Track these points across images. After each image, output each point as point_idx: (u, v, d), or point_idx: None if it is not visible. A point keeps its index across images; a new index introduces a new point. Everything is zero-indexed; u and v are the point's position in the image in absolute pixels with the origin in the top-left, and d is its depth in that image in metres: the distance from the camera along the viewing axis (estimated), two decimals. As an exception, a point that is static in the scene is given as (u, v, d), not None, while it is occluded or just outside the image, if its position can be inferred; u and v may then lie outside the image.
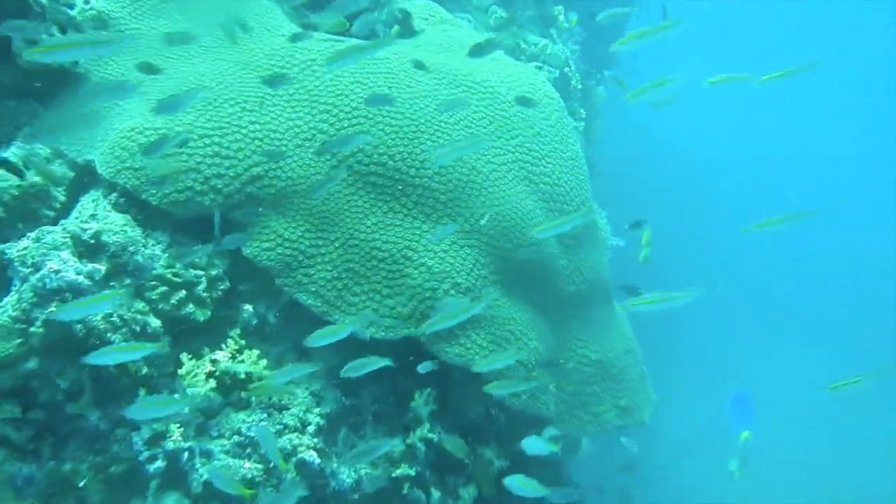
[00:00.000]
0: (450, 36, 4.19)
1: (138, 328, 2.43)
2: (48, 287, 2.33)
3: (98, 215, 2.56)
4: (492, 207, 3.30)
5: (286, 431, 2.66)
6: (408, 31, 4.34)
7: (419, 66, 3.55)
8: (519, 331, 3.21)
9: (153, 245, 2.64)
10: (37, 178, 2.66)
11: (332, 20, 3.90)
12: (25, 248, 2.43)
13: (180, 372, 2.54)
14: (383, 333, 2.94)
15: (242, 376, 2.68)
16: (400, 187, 3.16)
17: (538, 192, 3.56)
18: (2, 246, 2.46)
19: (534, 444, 2.90)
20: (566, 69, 6.91)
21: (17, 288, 2.38)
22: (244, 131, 2.98)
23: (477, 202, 3.27)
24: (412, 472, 2.83)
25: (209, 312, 2.71)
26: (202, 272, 2.70)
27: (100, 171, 2.73)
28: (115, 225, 2.54)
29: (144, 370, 2.42)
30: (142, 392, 2.41)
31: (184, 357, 2.59)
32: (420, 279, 3.02)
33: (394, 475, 2.80)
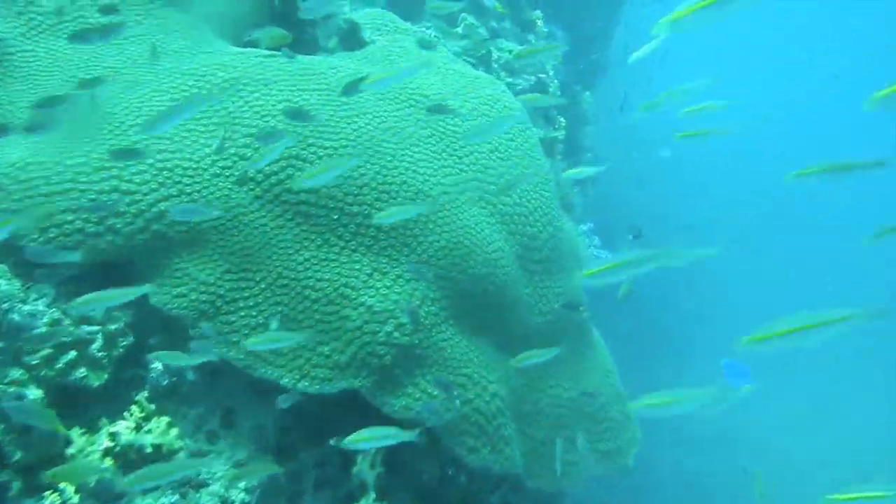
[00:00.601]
0: (402, 47, 3.84)
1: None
2: None
3: (-32, 268, 2.18)
4: (442, 234, 2.93)
5: (202, 512, 2.27)
6: (355, 43, 3.99)
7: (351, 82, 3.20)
8: (476, 374, 2.83)
9: (35, 300, 2.25)
10: None
11: (273, 34, 3.56)
12: None
13: (69, 452, 2.14)
14: (318, 386, 2.55)
15: (150, 449, 2.29)
16: (335, 217, 2.79)
17: (497, 213, 3.19)
18: None
19: None
20: (542, 75, 6.58)
21: None
22: (151, 160, 2.60)
23: (425, 229, 2.90)
24: (354, 551, 2.44)
25: (107, 375, 2.32)
26: (97, 327, 2.32)
27: (-27, 215, 2.35)
28: (-14, 279, 2.16)
29: (18, 454, 2.03)
30: (16, 485, 2.01)
31: (74, 433, 2.19)
32: (359, 321, 2.64)
33: (333, 555, 2.41)
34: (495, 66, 6.35)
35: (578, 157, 10.32)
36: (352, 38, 3.94)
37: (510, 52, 6.60)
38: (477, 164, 3.25)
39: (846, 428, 10.68)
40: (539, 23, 7.55)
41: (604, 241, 8.43)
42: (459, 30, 5.99)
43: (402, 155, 3.02)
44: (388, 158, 2.97)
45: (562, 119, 6.99)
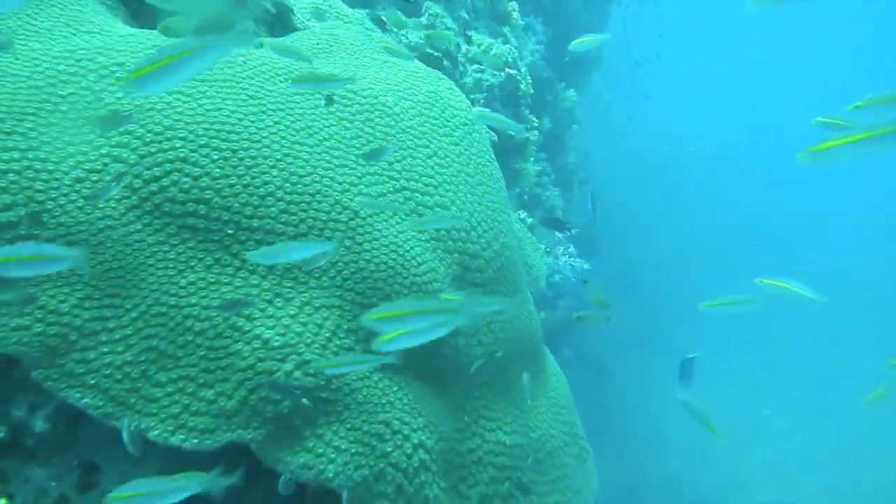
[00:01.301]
0: (333, 35, 3.39)
1: None
2: None
3: None
4: (361, 253, 2.48)
5: None
6: (285, 28, 3.53)
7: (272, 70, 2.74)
8: (398, 419, 2.38)
9: None
10: None
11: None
12: None
13: None
14: (196, 441, 2.09)
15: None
16: (231, 231, 2.33)
17: (443, 229, 2.74)
18: None
19: None
20: (512, 71, 6.13)
21: None
22: (-7, 162, 2.13)
23: (342, 247, 2.45)
24: None
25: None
26: None
27: None
28: None
29: None
30: None
31: None
32: (253, 358, 2.18)
33: None
34: (461, 59, 5.93)
35: (562, 158, 9.92)
36: (280, 24, 3.48)
37: (479, 45, 6.18)
38: (410, 171, 2.80)
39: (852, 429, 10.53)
40: (515, 14, 7.12)
41: (582, 250, 7.96)
42: (423, 19, 5.56)
43: (319, 160, 2.57)
44: (301, 164, 2.51)
45: (534, 118, 6.56)
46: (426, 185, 2.80)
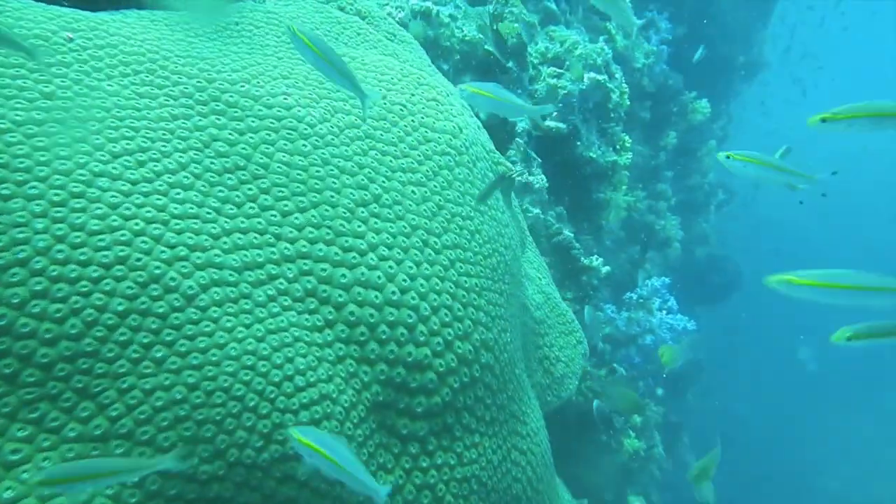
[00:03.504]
0: (274, 14, 2.32)
1: None
2: None
3: None
4: (182, 372, 1.41)
5: None
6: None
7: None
8: None
9: None
10: None
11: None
12: None
13: None
14: None
15: None
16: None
17: (347, 340, 1.63)
18: None
19: None
20: (600, 77, 4.94)
21: None
22: None
23: (154, 361, 1.40)
24: None
25: None
26: None
27: None
28: None
29: None
30: None
31: None
32: None
33: None
34: (535, 59, 4.81)
35: (693, 179, 8.71)
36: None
37: (562, 42, 5.04)
38: (319, 226, 1.70)
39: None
40: (623, 5, 5.91)
41: (687, 299, 6.45)
42: (490, 8, 4.55)
43: (139, 205, 1.52)
44: (100, 212, 1.47)
45: (626, 137, 5.32)
46: (344, 250, 1.69)
